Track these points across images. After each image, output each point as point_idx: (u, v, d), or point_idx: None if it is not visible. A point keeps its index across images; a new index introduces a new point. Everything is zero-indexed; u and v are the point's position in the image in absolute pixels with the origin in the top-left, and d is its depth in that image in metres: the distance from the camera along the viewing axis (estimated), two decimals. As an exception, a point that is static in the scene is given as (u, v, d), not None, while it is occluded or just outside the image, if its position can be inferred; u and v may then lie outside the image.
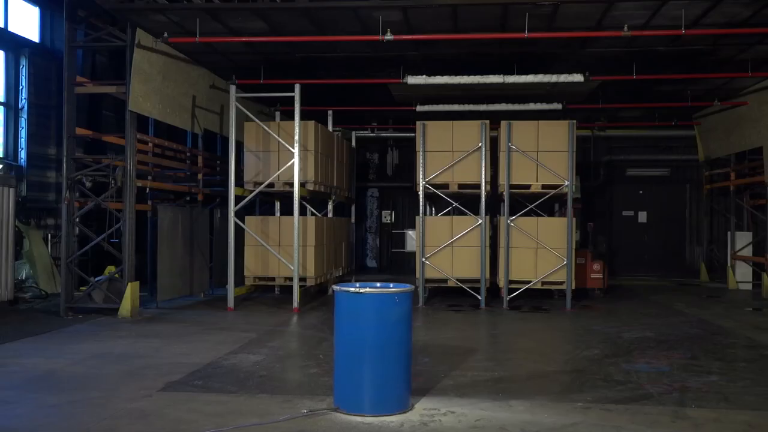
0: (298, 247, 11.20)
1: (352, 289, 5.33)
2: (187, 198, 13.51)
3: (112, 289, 10.71)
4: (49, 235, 12.70)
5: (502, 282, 11.90)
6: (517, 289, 11.86)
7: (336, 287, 5.45)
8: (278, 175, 11.63)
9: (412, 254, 12.55)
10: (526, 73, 11.77)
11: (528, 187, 11.92)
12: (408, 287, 5.43)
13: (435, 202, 14.78)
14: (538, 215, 12.76)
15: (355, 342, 5.31)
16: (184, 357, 7.42)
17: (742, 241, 15.70)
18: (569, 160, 11.70)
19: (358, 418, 5.17)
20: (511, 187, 11.88)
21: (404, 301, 5.35)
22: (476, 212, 12.08)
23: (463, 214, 12.59)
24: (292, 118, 11.32)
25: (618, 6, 9.36)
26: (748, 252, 15.57)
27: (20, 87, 12.57)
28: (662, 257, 18.61)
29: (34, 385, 6.16)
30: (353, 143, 16.75)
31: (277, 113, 14.42)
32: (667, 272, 18.24)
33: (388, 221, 19.46)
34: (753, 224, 16.26)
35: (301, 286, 11.44)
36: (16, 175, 11.86)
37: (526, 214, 12.20)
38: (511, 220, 11.88)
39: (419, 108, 14.60)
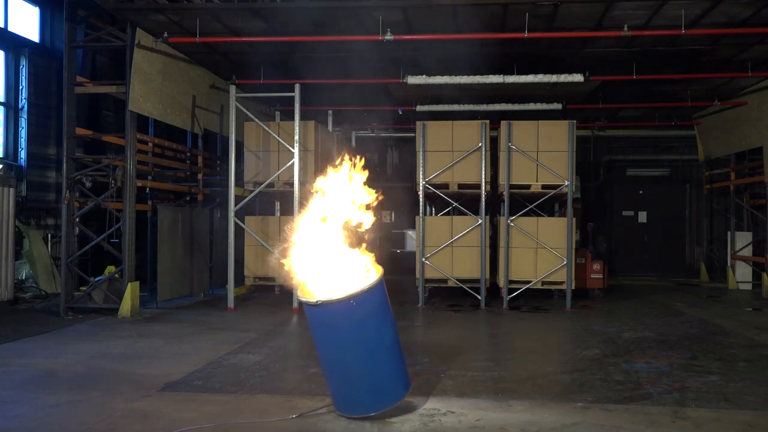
0: (298, 247, 11.17)
1: (312, 301, 4.98)
2: (187, 198, 13.51)
3: (112, 289, 10.71)
4: (49, 235, 12.70)
5: (502, 282, 11.90)
6: (517, 289, 11.86)
7: (299, 296, 5.08)
8: (278, 175, 11.64)
9: (412, 254, 12.55)
10: (526, 73, 11.77)
11: (528, 187, 11.92)
12: (373, 281, 5.02)
13: (435, 202, 14.77)
14: (538, 215, 12.76)
15: (328, 346, 5.19)
16: (184, 357, 7.42)
17: (742, 241, 15.69)
18: (569, 160, 11.70)
19: (358, 420, 5.17)
20: (511, 187, 11.88)
21: (369, 298, 4.98)
22: (476, 212, 12.08)
23: (463, 214, 12.59)
24: (292, 118, 11.33)
25: (618, 6, 9.36)
26: (748, 252, 15.57)
27: (20, 87, 12.57)
28: (662, 257, 18.60)
29: (34, 385, 6.16)
30: (353, 143, 16.75)
31: (277, 113, 14.42)
32: (667, 272, 18.24)
33: (388, 221, 19.44)
34: (753, 224, 16.26)
35: (301, 286, 11.41)
36: (16, 175, 11.86)
37: (526, 214, 12.20)
38: (511, 220, 11.89)
39: (419, 108, 14.61)
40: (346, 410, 5.22)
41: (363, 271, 5.27)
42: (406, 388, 5.38)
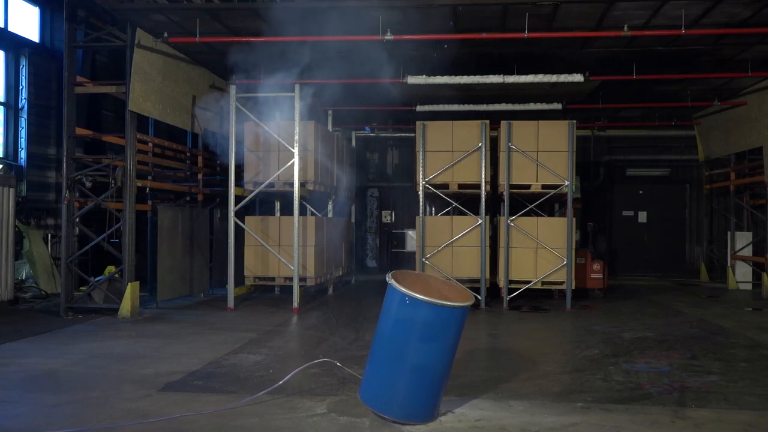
0: (298, 247, 11.20)
1: (389, 278, 5.02)
2: (187, 198, 13.51)
3: (112, 289, 10.72)
4: (49, 235, 12.70)
5: (502, 282, 11.90)
6: (517, 289, 11.86)
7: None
8: (278, 175, 11.64)
9: (412, 254, 12.57)
10: (526, 73, 11.77)
11: (528, 187, 11.92)
12: (439, 301, 4.98)
13: (435, 202, 14.78)
14: (538, 215, 12.76)
15: (380, 321, 5.13)
16: (184, 357, 7.42)
17: (742, 241, 15.70)
18: (569, 160, 11.70)
19: (358, 420, 5.17)
20: (511, 187, 11.88)
21: (421, 309, 4.91)
22: (476, 212, 12.08)
23: (463, 214, 12.59)
24: (292, 118, 11.33)
25: (618, 6, 9.36)
26: (748, 252, 15.57)
27: (20, 87, 12.57)
28: (662, 257, 18.61)
29: (34, 385, 6.17)
30: (353, 143, 16.76)
31: (277, 113, 14.40)
32: (667, 272, 18.25)
33: (388, 221, 19.45)
34: (753, 224, 16.27)
35: (301, 286, 11.44)
36: (16, 175, 11.86)
37: (526, 214, 12.19)
38: (511, 220, 11.89)
39: (419, 108, 14.61)
40: (361, 388, 5.24)
41: (462, 297, 5.29)
42: (411, 418, 5.08)
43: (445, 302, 4.98)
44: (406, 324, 4.96)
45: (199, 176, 13.50)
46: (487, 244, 11.99)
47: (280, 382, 5.93)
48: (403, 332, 4.98)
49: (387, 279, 5.07)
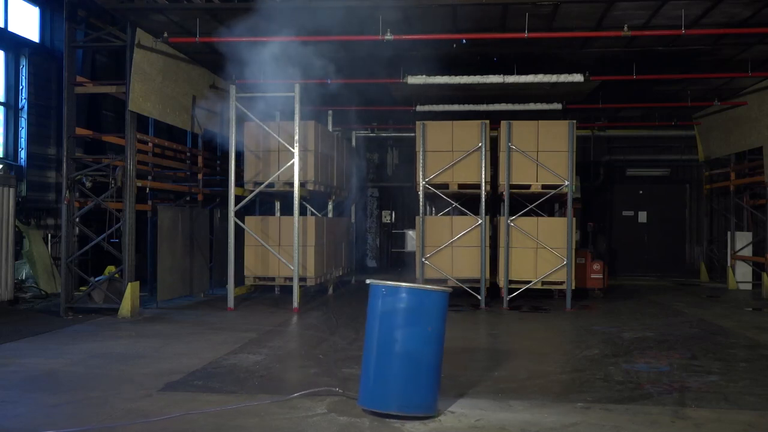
0: (298, 247, 11.19)
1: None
2: (187, 198, 13.51)
3: (112, 289, 10.71)
4: (49, 235, 12.70)
5: (502, 282, 11.90)
6: (517, 289, 11.86)
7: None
8: (278, 175, 11.64)
9: (412, 254, 12.56)
10: (526, 73, 11.77)
11: (528, 187, 11.92)
12: (413, 285, 5.22)
13: (435, 202, 14.77)
14: (538, 215, 12.76)
15: (368, 318, 5.32)
16: (184, 357, 7.42)
17: (742, 241, 15.70)
18: (569, 160, 11.70)
19: (358, 420, 5.17)
20: (511, 187, 11.88)
21: (398, 296, 5.15)
22: (476, 212, 12.07)
23: (463, 214, 12.59)
24: (292, 118, 11.33)
25: (618, 6, 9.37)
26: (748, 252, 15.57)
27: (20, 87, 12.56)
28: (662, 257, 18.61)
29: (34, 385, 6.17)
30: (353, 143, 16.76)
31: (277, 113, 14.42)
32: (667, 272, 18.25)
33: (388, 221, 19.45)
34: (753, 224, 16.27)
35: (301, 286, 11.44)
36: (16, 175, 11.86)
37: (526, 214, 12.19)
38: (511, 220, 11.88)
39: (419, 108, 14.61)
40: (359, 396, 5.31)
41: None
42: (408, 409, 5.11)
43: (421, 286, 5.26)
44: (390, 315, 5.18)
45: (199, 176, 13.50)
46: (487, 244, 11.99)
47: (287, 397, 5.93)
48: (388, 324, 5.19)
49: (367, 281, 5.37)
